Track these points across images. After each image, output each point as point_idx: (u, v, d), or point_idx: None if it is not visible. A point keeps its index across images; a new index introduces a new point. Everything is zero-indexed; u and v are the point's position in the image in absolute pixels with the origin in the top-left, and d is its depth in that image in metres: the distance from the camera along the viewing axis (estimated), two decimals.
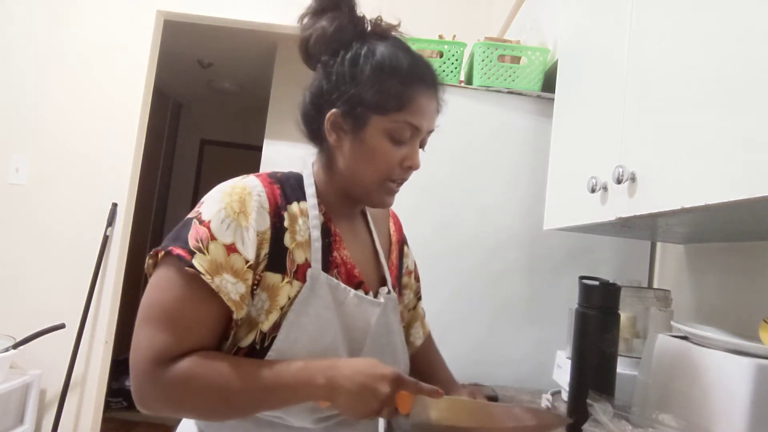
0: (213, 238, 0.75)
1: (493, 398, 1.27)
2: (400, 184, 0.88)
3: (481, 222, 1.62)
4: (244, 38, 3.36)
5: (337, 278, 0.84)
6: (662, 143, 0.81)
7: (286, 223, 0.81)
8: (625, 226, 1.12)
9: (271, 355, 0.77)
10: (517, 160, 1.63)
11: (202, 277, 0.73)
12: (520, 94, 1.63)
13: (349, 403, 0.73)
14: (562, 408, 1.25)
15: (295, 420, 0.80)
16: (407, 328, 1.10)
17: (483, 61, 1.64)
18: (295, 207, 0.84)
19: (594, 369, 0.96)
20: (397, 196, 0.91)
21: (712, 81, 0.70)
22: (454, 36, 1.76)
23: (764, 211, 0.71)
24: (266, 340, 0.78)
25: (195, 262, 0.73)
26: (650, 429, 0.79)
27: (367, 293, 0.88)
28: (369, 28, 0.87)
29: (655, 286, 1.57)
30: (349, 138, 0.84)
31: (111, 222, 2.61)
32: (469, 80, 1.73)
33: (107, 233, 2.60)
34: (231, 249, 0.75)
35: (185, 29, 2.99)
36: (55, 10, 2.70)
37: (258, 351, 0.78)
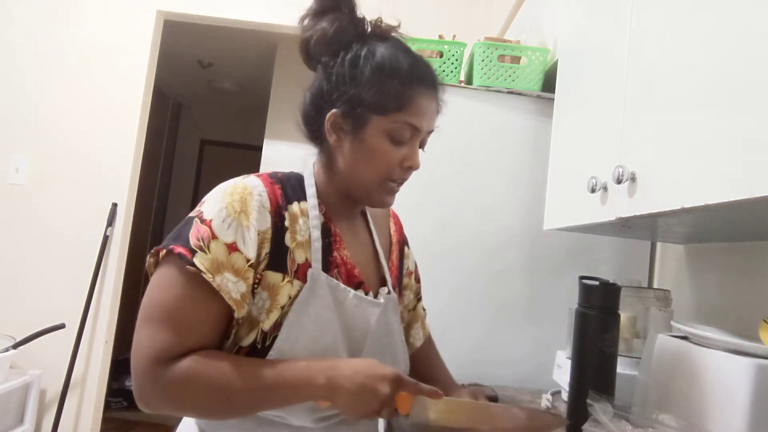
0: (214, 237, 0.75)
1: (493, 398, 1.27)
2: (401, 183, 0.88)
3: (481, 222, 1.62)
4: (244, 38, 3.36)
5: (337, 278, 0.84)
6: (662, 143, 0.81)
7: (286, 223, 0.82)
8: (625, 226, 1.12)
9: (272, 354, 0.77)
10: (517, 160, 1.63)
11: (203, 275, 0.73)
12: (520, 94, 1.63)
13: (349, 403, 0.73)
14: (562, 408, 1.25)
15: (295, 419, 0.81)
16: (407, 328, 1.10)
17: (483, 61, 1.64)
18: (295, 207, 0.84)
19: (594, 369, 0.96)
20: (397, 196, 0.91)
21: (712, 81, 0.70)
22: (454, 36, 1.76)
23: (764, 211, 0.71)
24: (267, 339, 0.78)
25: (196, 260, 0.73)
26: (650, 429, 0.79)
27: (367, 293, 0.88)
28: (369, 30, 0.87)
29: (655, 286, 1.57)
30: (349, 138, 0.84)
31: (111, 222, 2.61)
32: (469, 80, 1.73)
33: (107, 233, 2.60)
34: (232, 248, 0.76)
35: (185, 29, 2.99)
36: (55, 10, 2.70)
37: (259, 350, 0.78)
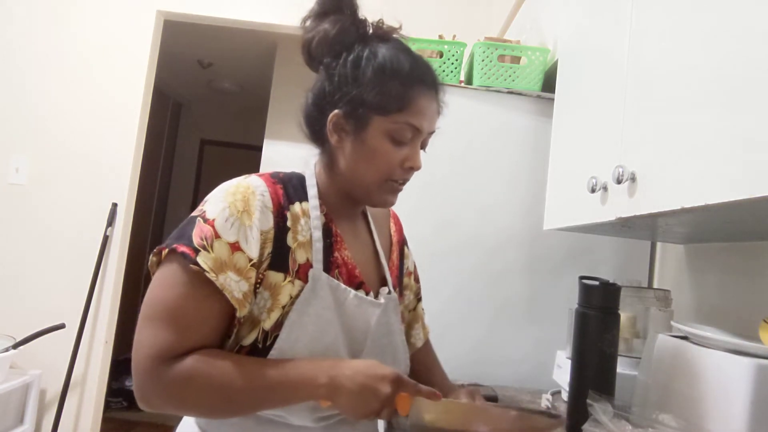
0: (217, 236, 0.76)
1: (493, 398, 1.27)
2: (403, 183, 0.88)
3: (481, 222, 1.62)
4: (244, 38, 3.36)
5: (338, 279, 0.85)
6: (662, 143, 0.81)
7: (288, 223, 0.82)
8: (625, 226, 1.12)
9: (273, 353, 0.78)
10: (517, 160, 1.63)
11: (207, 274, 0.73)
12: (520, 94, 1.63)
13: (350, 402, 0.73)
14: (562, 408, 1.25)
15: (295, 419, 0.81)
16: (407, 329, 1.10)
17: (483, 61, 1.64)
18: (297, 207, 0.84)
19: (594, 369, 0.96)
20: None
21: (712, 81, 0.70)
22: (454, 36, 1.76)
23: (764, 211, 0.71)
24: (268, 338, 0.79)
25: (199, 259, 0.74)
26: (650, 429, 0.79)
27: (368, 294, 0.88)
28: (371, 31, 0.88)
29: (655, 286, 1.57)
30: (350, 139, 0.84)
31: (111, 222, 2.61)
32: (469, 80, 1.73)
33: (107, 233, 2.60)
34: (235, 247, 0.76)
35: (185, 29, 2.99)
36: (55, 10, 2.70)
37: (260, 350, 0.78)
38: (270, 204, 0.81)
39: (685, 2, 0.80)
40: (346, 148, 0.85)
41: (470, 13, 2.66)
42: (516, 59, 1.66)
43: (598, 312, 0.96)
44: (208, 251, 0.74)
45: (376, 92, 0.82)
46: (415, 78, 0.84)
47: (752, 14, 0.63)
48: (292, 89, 3.49)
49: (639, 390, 1.02)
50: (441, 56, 1.69)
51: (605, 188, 1.00)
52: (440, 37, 1.73)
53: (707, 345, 0.86)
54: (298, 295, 0.80)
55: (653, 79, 0.88)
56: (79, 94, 2.68)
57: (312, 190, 0.87)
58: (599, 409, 0.83)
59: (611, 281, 0.98)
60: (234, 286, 0.75)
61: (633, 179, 0.88)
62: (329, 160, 0.89)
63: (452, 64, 1.69)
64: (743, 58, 0.64)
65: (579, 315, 0.98)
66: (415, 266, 1.12)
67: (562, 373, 1.29)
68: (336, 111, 0.84)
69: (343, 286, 0.84)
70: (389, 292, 0.93)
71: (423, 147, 0.89)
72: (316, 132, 0.89)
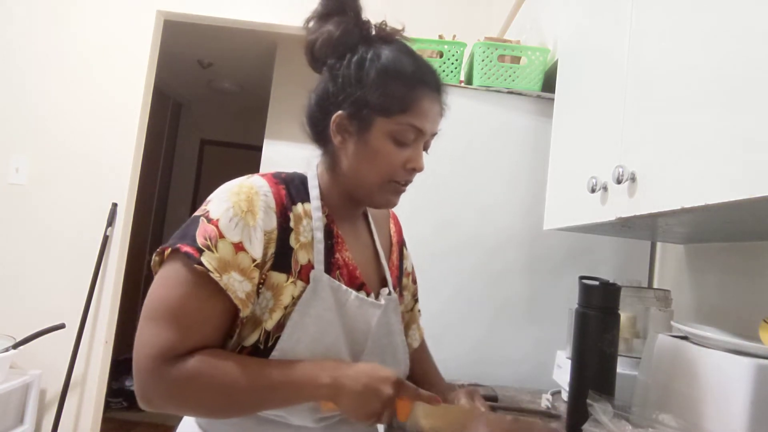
0: (221, 236, 0.76)
1: (493, 398, 1.27)
2: (405, 185, 0.89)
3: (481, 222, 1.62)
4: (244, 38, 3.36)
5: (339, 280, 0.85)
6: (662, 143, 0.81)
7: (291, 224, 0.82)
8: (625, 226, 1.12)
9: (274, 354, 0.78)
10: (517, 160, 1.63)
11: (211, 274, 0.73)
12: (520, 94, 1.63)
13: (353, 403, 0.74)
14: (562, 408, 1.25)
15: (296, 419, 0.81)
16: (405, 329, 1.10)
17: (483, 61, 1.64)
18: (299, 208, 0.84)
19: (594, 369, 0.96)
20: None
21: (712, 81, 0.70)
22: (454, 36, 1.76)
23: (764, 211, 0.71)
24: (270, 339, 0.79)
25: (203, 259, 0.74)
26: (650, 429, 0.79)
27: (369, 295, 0.89)
28: (374, 33, 0.88)
29: (655, 286, 1.57)
30: (353, 140, 0.85)
31: (111, 222, 2.61)
32: (469, 80, 1.73)
33: (107, 233, 2.60)
34: (239, 247, 0.76)
35: (185, 29, 2.99)
36: (55, 10, 2.70)
37: (262, 350, 0.78)
38: (273, 204, 0.81)
39: (685, 2, 0.80)
40: (349, 149, 0.85)
41: (470, 13, 2.66)
42: (516, 59, 1.66)
43: (598, 312, 0.96)
44: (212, 251, 0.74)
45: (379, 94, 0.82)
46: (418, 80, 0.84)
47: (752, 14, 0.63)
48: (292, 89, 3.49)
49: (639, 390, 1.02)
50: (441, 56, 1.69)
51: (605, 188, 1.00)
52: (440, 37, 1.73)
53: (707, 345, 0.86)
54: (299, 296, 0.80)
55: (653, 79, 0.88)
56: (79, 94, 2.68)
57: (314, 191, 0.87)
58: (599, 409, 0.83)
59: (611, 281, 0.98)
60: (237, 286, 0.75)
61: (633, 179, 0.88)
62: (332, 161, 0.89)
63: (452, 64, 1.69)
64: (743, 58, 0.64)
65: (579, 315, 0.98)
66: (413, 267, 1.12)
67: (562, 373, 1.29)
68: (339, 112, 0.84)
69: (344, 287, 0.84)
70: (389, 293, 0.93)
71: (425, 148, 0.89)
72: (319, 133, 0.89)
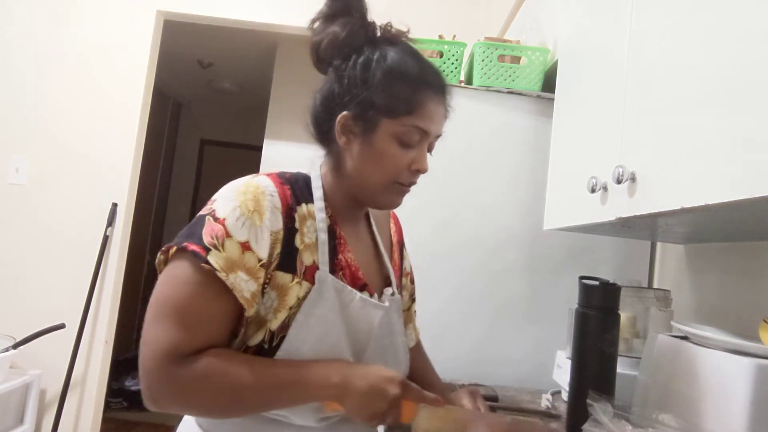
0: (228, 235, 0.75)
1: (493, 398, 1.27)
2: (409, 186, 0.89)
3: (481, 222, 1.62)
4: (244, 38, 3.36)
5: (342, 280, 0.85)
6: (662, 143, 0.81)
7: (296, 224, 0.82)
8: (625, 226, 1.12)
9: (279, 354, 0.78)
10: (517, 160, 1.63)
11: (218, 274, 0.73)
12: (520, 94, 1.63)
13: (359, 402, 0.74)
14: (562, 408, 1.25)
15: (298, 418, 0.81)
16: None
17: (483, 61, 1.64)
18: (303, 208, 0.84)
19: (594, 369, 0.96)
20: None
21: (712, 81, 0.70)
22: (454, 36, 1.76)
23: (764, 211, 0.71)
24: (274, 339, 0.79)
25: (210, 258, 0.73)
26: (650, 429, 0.79)
27: (372, 295, 0.89)
28: (379, 34, 0.88)
29: (655, 286, 1.57)
30: (358, 141, 0.85)
31: (111, 222, 2.61)
32: (469, 80, 1.73)
33: (107, 233, 2.60)
34: (245, 247, 0.76)
35: (185, 29, 2.99)
36: (55, 10, 2.70)
37: (266, 350, 0.79)
38: (279, 204, 0.81)
39: (685, 2, 0.80)
40: (354, 150, 0.85)
41: (470, 13, 2.66)
42: (516, 59, 1.66)
43: (598, 312, 0.96)
44: (219, 250, 0.74)
45: (385, 95, 0.82)
46: (424, 81, 0.85)
47: (752, 14, 0.63)
48: (292, 89, 3.49)
49: (639, 390, 1.02)
50: (441, 56, 1.69)
51: (605, 188, 1.00)
52: (440, 37, 1.73)
53: (707, 345, 0.86)
54: (304, 297, 0.80)
55: (653, 79, 0.88)
56: (79, 94, 2.67)
57: (318, 192, 0.88)
58: (599, 409, 0.83)
59: (611, 281, 0.98)
60: (244, 285, 0.75)
61: (633, 179, 0.88)
62: (336, 162, 0.89)
63: (452, 64, 1.69)
64: (743, 58, 0.64)
65: (579, 315, 0.98)
66: (411, 267, 1.12)
67: (562, 373, 1.29)
68: (344, 113, 0.84)
69: (348, 288, 0.85)
70: (392, 294, 0.93)
71: (430, 150, 0.90)
72: (323, 133, 0.89)
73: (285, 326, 0.79)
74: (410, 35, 0.90)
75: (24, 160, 2.66)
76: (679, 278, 1.43)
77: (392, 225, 1.07)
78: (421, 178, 0.89)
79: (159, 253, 0.78)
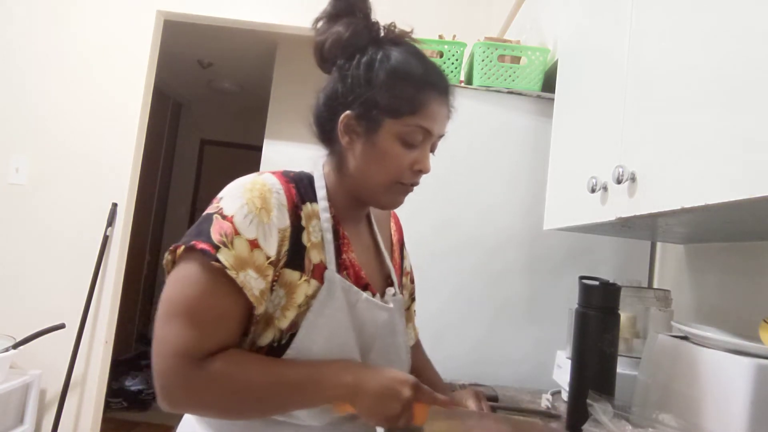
0: (237, 233, 0.75)
1: (493, 398, 1.27)
2: (412, 186, 0.89)
3: (481, 222, 1.62)
4: (244, 38, 3.36)
5: (347, 280, 0.85)
6: (662, 143, 0.81)
7: (303, 222, 0.82)
8: (625, 226, 1.12)
9: (289, 353, 0.78)
10: (517, 160, 1.63)
11: (228, 272, 0.73)
12: (520, 94, 1.63)
13: (372, 404, 0.75)
14: (562, 408, 1.25)
15: (305, 418, 0.81)
16: None
17: (483, 61, 1.64)
18: (308, 207, 0.84)
19: (594, 369, 0.96)
20: None
21: (712, 81, 0.70)
22: (454, 36, 1.76)
23: (764, 211, 0.71)
24: (284, 338, 0.79)
25: (220, 256, 0.73)
26: (650, 429, 0.79)
27: (374, 295, 0.89)
28: (383, 34, 0.88)
29: (655, 286, 1.57)
30: (361, 140, 0.85)
31: (111, 222, 2.61)
32: (469, 80, 1.73)
33: (107, 233, 2.60)
34: (254, 244, 0.76)
35: (185, 29, 2.99)
36: (55, 10, 2.70)
37: (276, 349, 0.79)
38: (285, 202, 0.81)
39: (685, 2, 0.80)
40: (357, 150, 0.85)
41: (470, 13, 2.66)
42: (516, 59, 1.66)
43: (598, 312, 0.96)
44: (228, 248, 0.74)
45: (388, 95, 0.82)
46: (427, 82, 0.85)
47: (752, 14, 0.63)
48: (292, 89, 3.49)
49: (639, 390, 1.02)
50: (441, 56, 1.69)
51: (605, 188, 1.00)
52: (440, 37, 1.73)
53: (707, 345, 0.86)
54: (313, 296, 0.80)
55: (653, 79, 0.88)
56: (79, 94, 2.67)
57: (321, 192, 0.87)
58: (599, 409, 0.83)
59: (611, 281, 0.98)
60: (253, 283, 0.75)
61: (633, 179, 0.88)
62: (338, 161, 0.89)
63: (452, 64, 1.69)
64: (743, 58, 0.64)
65: (579, 315, 0.98)
66: (411, 267, 1.12)
67: (562, 373, 1.29)
68: (348, 112, 0.84)
69: (354, 288, 0.85)
70: (395, 294, 0.93)
71: (432, 150, 0.90)
72: (326, 132, 0.89)
73: (293, 325, 0.79)
74: (413, 35, 0.90)
75: (24, 160, 2.66)
76: (679, 278, 1.43)
77: (392, 224, 1.07)
78: (422, 178, 0.89)
79: (166, 253, 0.78)
